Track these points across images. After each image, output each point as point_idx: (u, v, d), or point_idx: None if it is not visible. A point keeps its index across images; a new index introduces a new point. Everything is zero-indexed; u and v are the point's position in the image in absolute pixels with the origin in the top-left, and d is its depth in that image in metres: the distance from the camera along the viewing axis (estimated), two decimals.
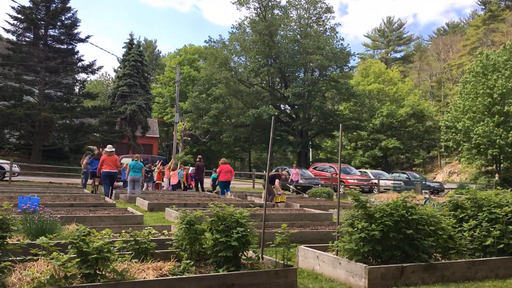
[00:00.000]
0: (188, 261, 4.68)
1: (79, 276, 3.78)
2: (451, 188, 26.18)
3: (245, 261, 4.73)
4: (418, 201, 13.23)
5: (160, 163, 20.47)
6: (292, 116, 39.70)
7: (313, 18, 39.45)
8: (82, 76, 36.17)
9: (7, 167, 19.40)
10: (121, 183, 17.54)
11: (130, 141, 37.04)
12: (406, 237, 5.14)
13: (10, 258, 4.21)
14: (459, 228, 5.95)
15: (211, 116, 38.33)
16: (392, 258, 5.22)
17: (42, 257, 4.06)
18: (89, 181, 16.53)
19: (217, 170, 16.38)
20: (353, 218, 5.42)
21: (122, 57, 40.23)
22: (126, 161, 18.29)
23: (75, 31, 28.94)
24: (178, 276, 4.26)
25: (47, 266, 4.07)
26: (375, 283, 4.75)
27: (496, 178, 29.49)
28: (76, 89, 31.57)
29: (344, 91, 37.29)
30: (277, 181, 13.09)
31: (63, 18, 28.37)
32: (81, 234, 3.97)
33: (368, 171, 28.95)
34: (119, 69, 43.67)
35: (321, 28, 38.86)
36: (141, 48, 45.96)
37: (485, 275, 5.42)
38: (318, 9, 39.07)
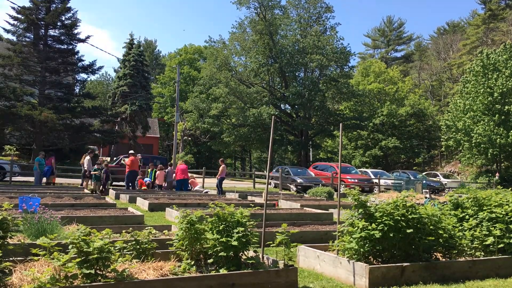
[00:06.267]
0: (189, 261, 4.69)
1: (80, 276, 3.78)
2: (452, 188, 26.19)
3: (245, 260, 4.72)
4: (419, 201, 13.24)
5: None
6: (292, 115, 39.66)
7: (313, 17, 39.42)
8: (82, 76, 36.18)
9: (7, 167, 19.41)
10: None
11: (130, 141, 37.05)
12: (406, 237, 5.14)
13: (11, 258, 4.21)
14: (460, 228, 5.95)
15: (211, 116, 38.31)
16: (393, 257, 5.21)
17: (43, 257, 4.06)
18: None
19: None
20: (353, 217, 5.42)
21: (122, 57, 40.23)
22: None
23: (75, 31, 28.96)
24: (179, 276, 4.26)
25: (48, 266, 4.08)
26: (375, 283, 4.75)
27: (497, 177, 29.46)
28: (76, 89, 31.57)
29: (344, 90, 37.29)
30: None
31: (63, 18, 28.34)
32: (81, 234, 3.97)
33: (369, 170, 28.94)
34: (119, 69, 43.68)
35: (321, 28, 38.81)
36: (141, 48, 45.96)
37: (485, 274, 5.42)
38: (318, 9, 39.04)
